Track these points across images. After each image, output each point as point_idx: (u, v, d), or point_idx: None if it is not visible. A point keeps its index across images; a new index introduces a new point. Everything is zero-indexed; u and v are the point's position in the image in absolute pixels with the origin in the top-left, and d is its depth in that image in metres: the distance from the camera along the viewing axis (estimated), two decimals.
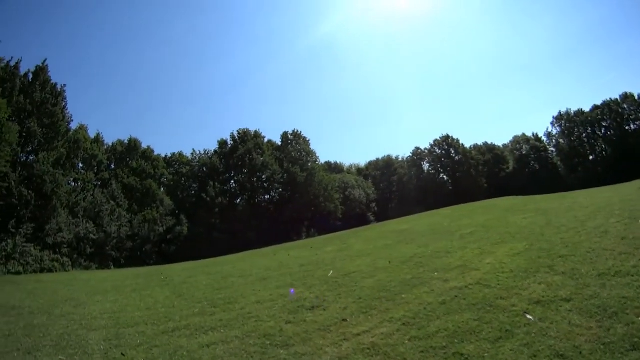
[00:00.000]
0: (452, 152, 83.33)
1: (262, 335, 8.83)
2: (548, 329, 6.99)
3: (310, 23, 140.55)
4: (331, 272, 14.47)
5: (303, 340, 8.25)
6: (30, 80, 37.20)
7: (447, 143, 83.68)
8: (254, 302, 11.92)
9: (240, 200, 63.22)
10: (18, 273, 28.55)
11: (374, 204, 76.77)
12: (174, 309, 12.53)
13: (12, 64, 35.07)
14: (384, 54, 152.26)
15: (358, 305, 10.01)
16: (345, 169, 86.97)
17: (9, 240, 29.18)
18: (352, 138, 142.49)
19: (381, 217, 68.83)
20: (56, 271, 32.43)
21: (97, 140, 54.52)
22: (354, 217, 67.31)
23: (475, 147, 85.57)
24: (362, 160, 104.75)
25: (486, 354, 6.52)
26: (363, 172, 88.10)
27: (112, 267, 41.08)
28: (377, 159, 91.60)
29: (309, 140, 68.57)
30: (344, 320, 9.06)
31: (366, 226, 50.11)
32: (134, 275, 25.81)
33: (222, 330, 9.55)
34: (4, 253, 28.27)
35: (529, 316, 7.62)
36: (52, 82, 38.69)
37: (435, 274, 11.70)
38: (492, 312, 8.11)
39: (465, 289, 9.78)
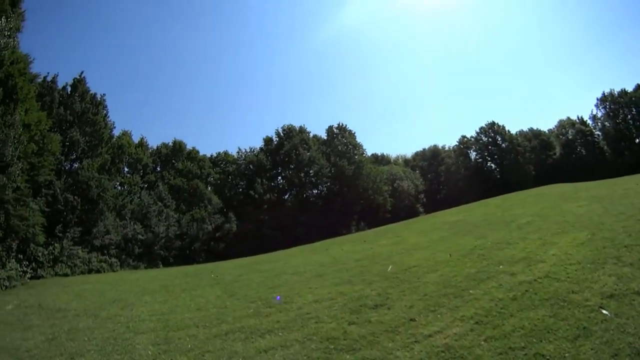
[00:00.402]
0: (499, 139, 79.17)
1: (324, 338, 8.17)
2: (625, 325, 6.64)
3: (346, 14, 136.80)
4: (390, 267, 13.76)
5: (370, 343, 7.62)
6: (69, 93, 38.13)
7: (493, 130, 79.61)
8: (311, 301, 11.21)
9: (289, 195, 62.61)
10: (65, 275, 28.60)
11: (422, 195, 74.54)
12: (226, 310, 11.85)
13: (49, 79, 35.90)
14: (425, 40, 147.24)
15: (425, 303, 9.38)
16: (392, 161, 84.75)
17: (55, 245, 29.42)
18: (397, 129, 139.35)
19: (430, 208, 66.76)
20: (104, 272, 32.58)
21: (142, 144, 54.40)
22: (403, 209, 65.56)
23: (521, 133, 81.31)
24: (409, 151, 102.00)
25: (567, 354, 6.14)
26: (410, 163, 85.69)
27: (161, 266, 41.15)
28: (424, 149, 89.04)
29: (354, 133, 66.84)
30: (412, 319, 8.44)
31: (416, 218, 48.88)
32: (182, 273, 25.23)
33: (280, 333, 8.85)
34: (51, 256, 28.43)
35: (604, 311, 7.23)
36: (90, 92, 39.60)
37: (500, 267, 11.11)
38: (567, 308, 7.69)
39: (535, 283, 9.32)
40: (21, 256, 23.96)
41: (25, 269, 23.61)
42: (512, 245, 13.53)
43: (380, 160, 79.64)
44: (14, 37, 23.55)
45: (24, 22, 25.04)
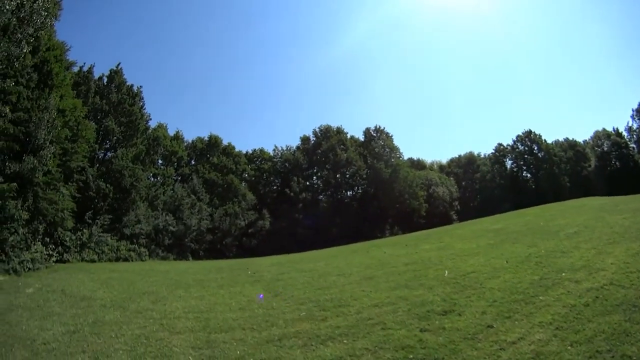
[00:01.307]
0: (535, 148, 75.72)
1: (398, 346, 7.33)
2: None
3: (382, 13, 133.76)
4: (446, 272, 13.09)
5: (451, 351, 6.94)
6: (105, 83, 37.55)
7: (529, 139, 76.12)
8: (370, 306, 10.26)
9: (324, 196, 61.35)
10: (92, 261, 27.42)
11: (456, 202, 72.14)
12: (273, 311, 10.71)
13: (85, 69, 35.25)
14: (462, 45, 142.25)
15: (496, 309, 8.83)
16: (427, 166, 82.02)
17: (84, 230, 28.31)
18: (433, 134, 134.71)
19: (463, 216, 63.82)
20: (132, 260, 31.43)
21: (177, 137, 53.09)
22: (437, 215, 63.33)
23: (557, 143, 77.53)
24: (444, 157, 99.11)
25: None
26: (445, 169, 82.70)
27: (190, 258, 40.11)
28: (459, 156, 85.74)
29: (391, 136, 65.16)
30: (489, 326, 7.86)
31: (454, 225, 46.74)
32: (216, 268, 23.71)
33: (344, 340, 7.87)
34: (79, 242, 27.30)
35: None
36: (127, 83, 38.90)
37: (563, 274, 10.87)
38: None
39: (602, 290, 9.16)
40: (48, 239, 22.71)
41: (51, 252, 22.36)
42: (567, 254, 13.27)
43: (415, 165, 76.98)
44: (51, 22, 22.69)
45: (61, 10, 24.53)
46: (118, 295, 14.03)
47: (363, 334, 8.11)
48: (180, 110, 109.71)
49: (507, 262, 13.32)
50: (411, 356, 6.85)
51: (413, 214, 61.26)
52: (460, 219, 63.97)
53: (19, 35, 16.34)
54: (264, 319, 9.86)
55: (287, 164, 60.87)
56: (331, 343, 7.66)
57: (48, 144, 21.56)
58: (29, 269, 18.39)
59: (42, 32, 19.10)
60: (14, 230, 18.49)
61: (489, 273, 12.14)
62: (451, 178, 76.96)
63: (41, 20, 17.74)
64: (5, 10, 15.28)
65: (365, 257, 20.71)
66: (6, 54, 15.58)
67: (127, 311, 11.52)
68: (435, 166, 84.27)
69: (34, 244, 20.21)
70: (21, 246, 18.70)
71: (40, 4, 17.02)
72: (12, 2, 15.41)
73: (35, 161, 20.46)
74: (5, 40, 15.78)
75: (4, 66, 16.92)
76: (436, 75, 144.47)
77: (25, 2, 16.38)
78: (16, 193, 19.03)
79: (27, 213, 19.84)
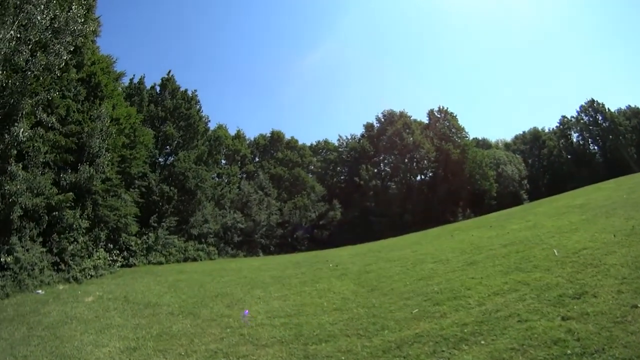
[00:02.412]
0: (600, 118, 69.84)
1: (547, 341, 5.96)
2: None
3: None
4: (555, 251, 11.49)
5: (608, 339, 5.61)
6: (159, 92, 38.24)
7: (593, 108, 70.28)
8: (490, 295, 8.72)
9: (393, 182, 59.08)
10: (159, 263, 27.59)
11: (525, 181, 66.78)
12: (377, 310, 9.23)
13: (136, 80, 36.00)
14: (517, 14, 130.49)
15: (631, 286, 7.35)
16: (492, 145, 76.81)
17: (150, 234, 28.65)
18: (493, 111, 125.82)
19: (534, 195, 59.84)
20: (201, 260, 31.39)
21: (239, 136, 53.37)
22: (507, 195, 59.36)
23: (620, 111, 71.43)
24: (507, 135, 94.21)
25: None
26: (511, 147, 77.11)
27: (261, 254, 39.82)
28: (523, 132, 79.90)
29: (456, 116, 61.72)
30: (634, 306, 6.51)
31: (530, 204, 42.72)
32: (292, 263, 22.40)
33: (481, 341, 6.44)
34: (144, 245, 27.43)
35: None
36: (181, 89, 39.29)
37: None
38: None
39: None
40: (111, 245, 23.01)
41: (115, 257, 22.62)
42: None
43: (481, 144, 72.30)
44: (89, 29, 22.97)
45: (101, 27, 24.80)
46: (187, 300, 13.03)
47: (499, 330, 6.70)
48: (237, 111, 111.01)
49: (614, 236, 11.71)
50: (568, 351, 5.55)
51: (484, 195, 57.51)
52: (530, 198, 59.61)
53: (57, 46, 16.34)
54: (369, 321, 8.38)
55: (353, 153, 59.39)
56: (466, 346, 6.30)
57: (104, 151, 21.64)
58: (91, 276, 18.43)
59: (81, 39, 19.10)
60: (73, 239, 18.71)
61: (603, 249, 10.56)
62: (518, 156, 71.17)
63: (78, 28, 17.71)
64: (41, 27, 15.30)
65: (453, 242, 18.89)
66: (44, 63, 15.56)
67: (198, 319, 10.36)
68: (500, 144, 78.68)
69: (96, 251, 20.45)
70: (82, 254, 18.81)
71: (75, 11, 16.98)
72: (46, 18, 15.38)
73: (92, 170, 20.60)
74: (43, 54, 15.82)
75: (46, 78, 17.06)
76: (492, 47, 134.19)
77: (58, 14, 16.36)
78: (73, 202, 19.29)
79: (86, 221, 20.07)
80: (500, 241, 15.25)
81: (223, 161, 47.21)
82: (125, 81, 32.71)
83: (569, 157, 69.52)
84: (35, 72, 15.53)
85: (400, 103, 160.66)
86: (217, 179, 42.76)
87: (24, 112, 15.28)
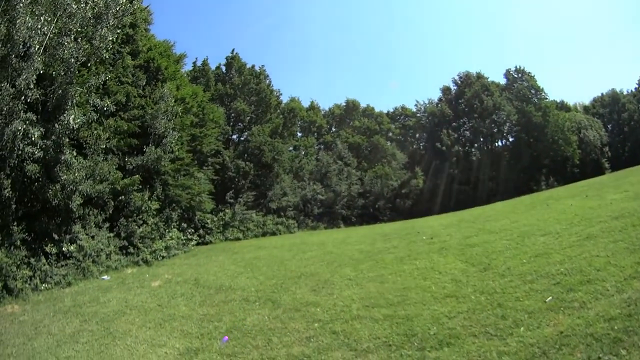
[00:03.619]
0: None
1: None
2: None
3: None
4: None
5: None
6: (225, 71, 37.70)
7: None
8: (627, 278, 6.88)
9: (476, 147, 55.44)
10: (237, 239, 27.04)
11: (606, 148, 58.78)
12: (499, 296, 7.53)
13: (199, 63, 35.64)
14: None
15: None
16: (571, 108, 67.67)
17: (227, 211, 28.33)
18: (569, 71, 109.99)
19: (615, 163, 53.85)
20: (280, 234, 30.59)
21: (313, 107, 51.37)
22: (588, 163, 53.22)
23: None
24: (585, 98, 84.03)
25: None
26: (590, 110, 67.94)
27: (342, 225, 38.41)
28: (602, 94, 69.81)
29: (534, 76, 55.31)
30: None
31: (614, 173, 38.38)
32: (380, 235, 20.14)
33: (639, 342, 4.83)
34: (221, 222, 27.19)
35: None
36: (248, 66, 38.47)
37: None
38: None
39: None
40: (185, 225, 22.65)
41: (190, 236, 22.30)
42: None
43: (559, 107, 64.00)
44: (142, 24, 23.08)
45: (152, 15, 24.81)
46: (265, 282, 11.70)
47: None
48: (308, 83, 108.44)
49: None
50: None
51: (566, 162, 51.53)
52: (612, 167, 53.19)
53: (101, 31, 15.80)
54: (496, 313, 6.69)
55: (432, 118, 55.68)
56: (624, 350, 4.76)
57: (170, 131, 21.21)
58: (163, 257, 18.03)
59: (128, 19, 18.53)
60: (142, 221, 18.46)
61: None
62: (597, 120, 62.35)
63: (120, 9, 17.05)
64: (80, 16, 14.81)
65: (552, 212, 16.27)
66: (88, 49, 15.11)
67: (278, 308, 8.92)
68: (579, 107, 68.85)
69: (169, 232, 20.24)
70: (152, 236, 18.52)
71: None
72: (84, 7, 14.82)
73: (159, 151, 20.33)
74: (85, 40, 15.36)
75: (93, 64, 16.71)
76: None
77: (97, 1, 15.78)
78: (141, 185, 19.09)
79: (156, 202, 19.82)
80: (607, 212, 12.79)
81: (299, 134, 46.28)
82: (189, 66, 32.84)
83: None
84: (80, 59, 15.07)
85: (475, 64, 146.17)
86: (293, 152, 41.91)
87: (74, 101, 14.88)
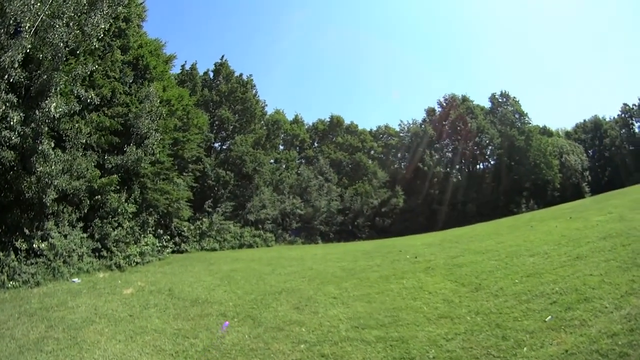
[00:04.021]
0: None
1: None
2: None
3: None
4: None
5: None
6: (212, 77, 37.09)
7: None
8: (623, 295, 6.96)
9: (457, 169, 55.82)
10: (213, 249, 26.16)
11: (587, 173, 61.02)
12: (496, 317, 7.37)
13: (188, 67, 34.68)
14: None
15: None
16: (553, 133, 70.15)
17: (204, 220, 27.44)
18: (552, 97, 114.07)
19: (595, 188, 56.07)
20: (257, 247, 29.80)
21: (297, 121, 51.04)
22: (569, 187, 54.52)
23: None
24: (567, 124, 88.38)
25: None
26: (572, 136, 70.26)
27: (320, 241, 37.66)
28: (584, 121, 72.36)
29: (518, 101, 56.93)
30: None
31: (595, 196, 37.77)
32: (361, 252, 19.58)
33: None
34: (198, 231, 26.41)
35: None
36: (236, 74, 37.83)
37: None
38: None
39: None
40: (161, 231, 21.75)
41: (165, 243, 21.28)
42: None
43: (541, 132, 66.37)
44: (135, 19, 22.38)
45: (146, 11, 24.19)
46: (244, 297, 11.05)
47: None
48: (294, 97, 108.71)
49: None
50: None
51: (547, 186, 52.51)
52: (592, 191, 54.71)
53: (94, 18, 15.03)
54: (495, 334, 6.52)
55: (415, 138, 55.73)
56: None
57: (153, 132, 20.25)
58: (136, 263, 17.04)
59: (122, 9, 17.82)
60: (117, 224, 17.42)
61: None
62: (579, 145, 64.57)
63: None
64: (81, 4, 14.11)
65: (537, 233, 16.16)
66: (79, 34, 14.33)
67: (259, 326, 8.31)
68: (561, 133, 71.37)
69: (144, 237, 19.19)
70: (127, 240, 17.52)
71: None
72: None
73: (140, 152, 19.37)
74: (77, 26, 14.56)
75: (82, 52, 15.82)
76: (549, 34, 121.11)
77: None
78: (119, 186, 18.11)
79: (133, 205, 18.82)
80: (593, 233, 12.80)
81: (281, 146, 45.66)
82: (177, 69, 32.05)
83: (631, 148, 62.20)
84: (70, 44, 14.26)
85: (460, 87, 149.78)
86: (275, 164, 41.28)
87: (57, 88, 13.97)
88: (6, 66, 11.78)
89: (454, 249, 16.09)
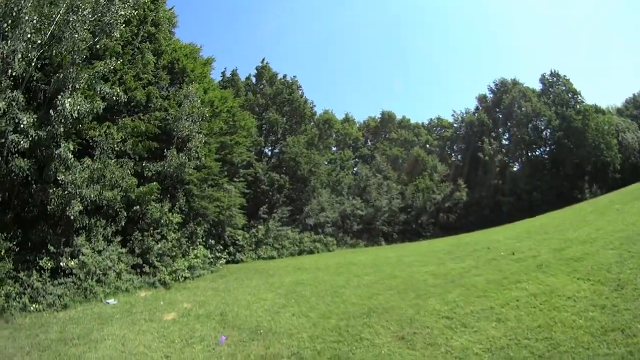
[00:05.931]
0: None
1: None
2: None
3: None
4: None
5: None
6: (255, 82, 35.50)
7: None
8: None
9: (516, 156, 51.50)
10: (271, 257, 24.21)
11: None
12: None
13: (228, 74, 33.30)
14: None
15: None
16: (605, 110, 62.88)
17: (259, 227, 25.43)
18: (594, 73, 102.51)
19: None
20: (318, 252, 27.49)
21: (348, 119, 48.69)
22: (628, 168, 48.24)
23: None
24: (617, 100, 76.57)
25: None
26: (623, 113, 62.69)
27: (383, 242, 34.59)
28: (634, 95, 64.41)
29: (569, 80, 51.43)
30: None
31: None
32: (442, 252, 16.67)
33: None
34: (253, 239, 24.51)
35: None
36: (280, 77, 35.90)
37: None
38: None
39: None
40: (213, 241, 19.77)
41: (218, 254, 19.25)
42: None
43: (595, 111, 59.72)
44: (166, 24, 20.95)
45: (176, 17, 22.71)
46: (321, 323, 8.61)
47: None
48: (341, 96, 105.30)
49: None
50: None
51: (607, 167, 46.77)
52: None
53: (110, 16, 13.33)
54: None
55: (471, 127, 52.12)
56: None
57: (195, 134, 18.28)
58: (185, 278, 14.94)
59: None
60: (160, 236, 15.43)
61: None
62: (633, 122, 57.18)
63: None
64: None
65: (632, 215, 14.24)
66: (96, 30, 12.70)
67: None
68: (612, 110, 63.74)
69: (193, 249, 17.14)
70: (173, 253, 15.45)
71: None
72: None
73: (183, 156, 17.36)
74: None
75: (102, 47, 14.12)
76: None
77: None
78: (160, 194, 16.21)
79: (179, 215, 16.84)
80: None
81: (334, 147, 43.05)
82: (217, 76, 30.72)
83: None
84: (87, 39, 12.53)
85: (503, 72, 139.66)
86: (330, 165, 38.62)
87: (75, 85, 12.14)
88: (5, 55, 10.00)
89: (549, 240, 13.68)
